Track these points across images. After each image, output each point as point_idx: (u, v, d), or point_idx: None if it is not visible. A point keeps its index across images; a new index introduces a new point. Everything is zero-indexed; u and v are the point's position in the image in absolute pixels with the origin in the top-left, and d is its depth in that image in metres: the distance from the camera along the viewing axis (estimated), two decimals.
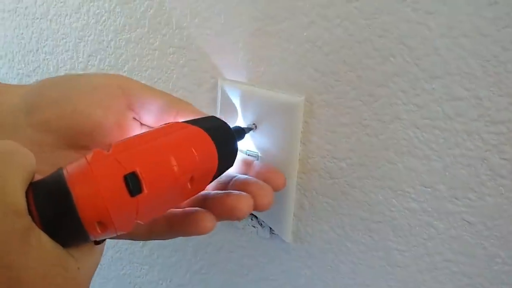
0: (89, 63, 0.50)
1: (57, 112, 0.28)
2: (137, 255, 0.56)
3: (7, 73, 0.60)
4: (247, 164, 0.36)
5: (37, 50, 0.56)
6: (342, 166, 0.36)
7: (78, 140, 0.29)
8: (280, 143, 0.38)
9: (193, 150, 0.26)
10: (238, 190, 0.31)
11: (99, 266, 0.62)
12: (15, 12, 0.56)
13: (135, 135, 0.26)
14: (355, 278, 0.38)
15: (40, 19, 0.54)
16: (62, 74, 0.54)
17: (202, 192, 0.31)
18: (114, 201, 0.22)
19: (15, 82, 0.59)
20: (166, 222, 0.30)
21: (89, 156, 0.23)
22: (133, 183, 0.23)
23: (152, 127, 0.31)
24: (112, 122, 0.29)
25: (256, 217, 0.41)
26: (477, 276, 0.33)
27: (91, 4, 0.48)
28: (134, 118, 0.31)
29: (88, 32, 0.49)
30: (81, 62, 0.51)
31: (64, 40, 0.52)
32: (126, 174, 0.23)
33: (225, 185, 0.33)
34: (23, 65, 0.58)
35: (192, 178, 0.26)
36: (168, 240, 0.52)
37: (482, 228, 0.31)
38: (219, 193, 0.31)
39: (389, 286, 0.37)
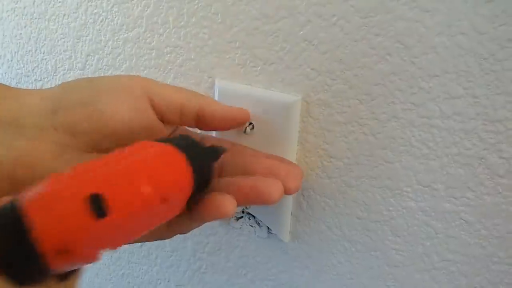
0: (87, 63, 0.50)
1: (83, 115, 0.27)
2: (136, 255, 0.56)
3: (5, 73, 0.60)
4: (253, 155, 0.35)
5: (36, 50, 0.56)
6: (339, 166, 0.36)
7: (102, 142, 0.28)
8: (277, 142, 0.37)
9: (165, 169, 0.24)
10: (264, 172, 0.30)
11: (97, 266, 0.62)
12: (13, 12, 0.56)
13: (101, 157, 0.24)
14: (353, 278, 0.38)
15: (38, 19, 0.54)
16: (61, 74, 0.54)
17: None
18: (75, 225, 0.20)
19: (14, 82, 0.59)
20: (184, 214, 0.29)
21: (47, 179, 0.21)
22: (97, 206, 0.20)
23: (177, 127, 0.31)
24: (137, 123, 0.28)
25: (254, 216, 0.41)
26: (475, 276, 0.32)
27: (89, 4, 0.48)
28: (159, 119, 0.30)
29: (86, 32, 0.49)
30: (79, 62, 0.51)
31: (63, 40, 0.52)
32: (89, 196, 0.20)
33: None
34: (21, 65, 0.58)
35: (164, 199, 0.24)
36: (167, 240, 0.52)
37: (480, 227, 0.31)
38: (245, 178, 0.30)
39: (387, 286, 0.36)
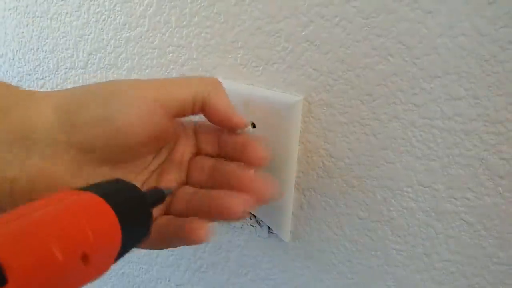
0: (89, 62, 0.50)
1: (99, 133, 0.27)
2: (136, 254, 0.56)
3: (7, 71, 0.60)
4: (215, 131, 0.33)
5: (38, 48, 0.56)
6: (341, 166, 0.36)
7: (117, 155, 0.28)
8: (279, 142, 0.38)
9: (83, 223, 0.21)
10: (227, 182, 0.30)
11: None
12: (16, 11, 0.56)
13: (9, 212, 0.21)
14: (353, 278, 0.38)
15: (41, 17, 0.54)
16: (63, 72, 0.54)
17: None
18: None
19: (15, 80, 0.60)
20: (156, 234, 0.29)
21: None
22: None
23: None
24: (152, 134, 0.29)
25: (254, 216, 0.41)
26: (475, 276, 0.32)
27: (92, 2, 0.48)
28: (174, 117, 0.30)
29: (88, 31, 0.50)
30: (81, 60, 0.51)
31: (65, 39, 0.52)
32: None
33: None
34: (23, 64, 0.58)
35: (85, 257, 0.21)
36: None
37: (480, 228, 0.31)
38: (207, 192, 0.30)
39: (387, 286, 0.36)
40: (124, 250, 0.24)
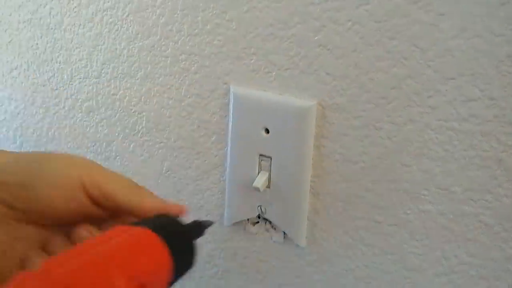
0: (102, 71, 0.51)
1: (22, 196, 0.29)
2: None
3: (22, 82, 0.61)
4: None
5: (52, 59, 0.57)
6: (356, 170, 0.36)
7: (39, 220, 0.30)
8: (293, 147, 0.38)
9: (139, 256, 0.24)
10: None
11: None
12: (30, 23, 0.57)
13: (73, 248, 0.24)
14: (370, 282, 0.38)
15: (54, 29, 0.55)
16: (77, 82, 0.55)
17: None
18: None
19: (30, 91, 0.60)
20: None
21: (15, 280, 0.21)
22: None
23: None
24: (73, 211, 0.30)
25: (270, 221, 0.41)
26: (495, 279, 0.32)
27: (104, 13, 0.49)
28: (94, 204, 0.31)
29: (101, 41, 0.50)
30: (94, 70, 0.52)
31: (78, 49, 0.53)
32: None
33: None
34: (37, 75, 0.59)
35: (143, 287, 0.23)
36: None
37: (500, 229, 0.31)
38: None
39: None
40: (174, 279, 0.26)
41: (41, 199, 0.29)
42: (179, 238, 0.27)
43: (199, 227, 0.30)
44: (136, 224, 0.26)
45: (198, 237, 0.30)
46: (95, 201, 0.31)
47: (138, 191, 0.31)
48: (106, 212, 0.32)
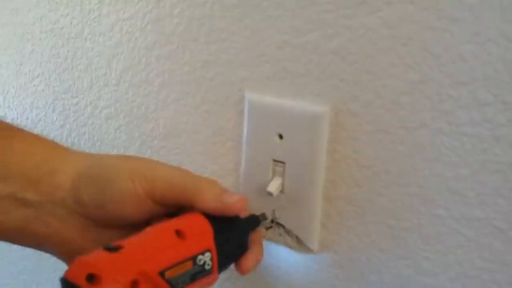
0: (121, 79, 0.52)
1: (97, 212, 0.34)
2: None
3: (43, 90, 0.63)
4: None
5: (72, 68, 0.59)
6: (368, 174, 0.36)
7: (114, 226, 0.35)
8: (306, 152, 0.38)
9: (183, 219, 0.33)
10: None
11: None
12: (52, 33, 0.59)
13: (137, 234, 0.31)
14: (383, 287, 0.38)
15: (75, 38, 0.57)
16: (97, 90, 0.56)
17: None
18: None
19: (51, 99, 0.62)
20: None
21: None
22: None
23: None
24: (145, 215, 0.34)
25: (283, 226, 0.42)
26: (508, 284, 0.32)
27: (124, 23, 0.50)
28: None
29: (120, 50, 0.52)
30: (113, 78, 0.53)
31: (98, 58, 0.55)
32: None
33: None
34: (58, 83, 0.61)
35: (180, 233, 0.31)
36: None
37: None
38: None
39: None
40: (225, 259, 0.33)
41: (114, 214, 0.34)
42: (228, 224, 0.34)
43: (253, 220, 0.37)
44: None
45: (253, 229, 0.36)
46: (160, 203, 0.34)
47: (195, 191, 0.34)
48: (174, 208, 0.35)
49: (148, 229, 0.31)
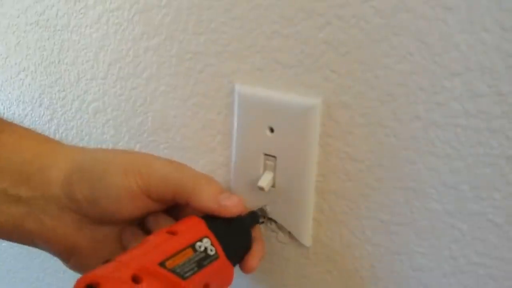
0: (109, 72, 0.51)
1: (90, 208, 0.33)
2: None
3: (29, 84, 0.61)
4: None
5: (59, 61, 0.57)
6: (361, 168, 0.35)
7: (113, 221, 0.34)
8: (298, 145, 0.37)
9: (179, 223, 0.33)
10: None
11: None
12: (37, 25, 0.58)
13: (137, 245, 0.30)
14: (376, 283, 0.37)
15: (61, 30, 0.55)
16: (84, 84, 0.55)
17: None
18: None
19: (37, 93, 0.61)
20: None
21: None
22: None
23: None
24: (141, 210, 0.34)
25: (275, 221, 0.41)
26: (504, 279, 0.31)
27: (111, 14, 0.49)
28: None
29: (107, 42, 0.50)
30: (101, 71, 0.52)
31: (85, 51, 0.53)
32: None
33: None
34: (45, 77, 0.59)
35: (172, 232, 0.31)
36: None
37: (509, 228, 0.30)
38: None
39: None
40: (229, 246, 0.32)
41: (108, 210, 0.33)
42: (227, 219, 0.34)
43: (253, 217, 0.38)
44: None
45: (253, 225, 0.37)
46: (156, 200, 0.34)
47: (192, 190, 0.33)
48: (171, 205, 0.35)
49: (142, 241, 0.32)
